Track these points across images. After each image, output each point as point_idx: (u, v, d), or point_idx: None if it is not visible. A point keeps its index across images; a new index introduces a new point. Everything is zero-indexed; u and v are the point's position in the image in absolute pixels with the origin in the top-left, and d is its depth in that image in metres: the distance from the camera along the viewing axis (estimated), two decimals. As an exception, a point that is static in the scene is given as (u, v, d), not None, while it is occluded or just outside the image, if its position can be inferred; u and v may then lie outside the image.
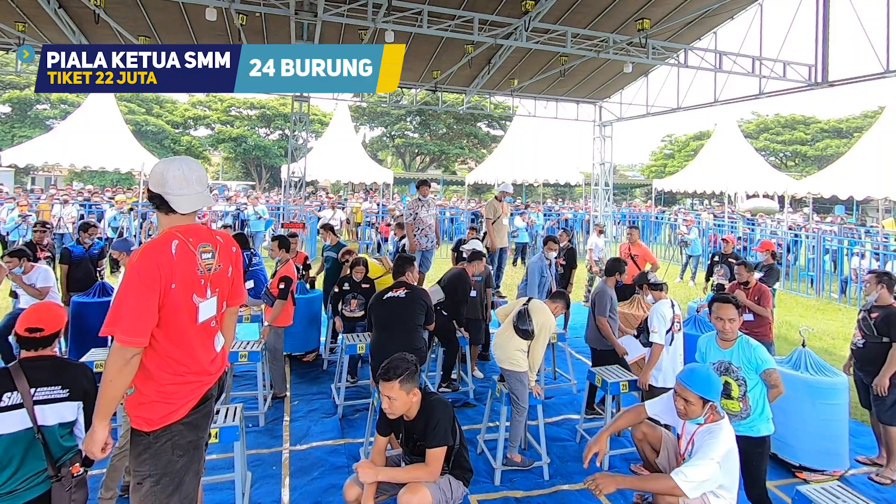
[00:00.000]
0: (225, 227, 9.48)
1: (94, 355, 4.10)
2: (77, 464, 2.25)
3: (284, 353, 5.21)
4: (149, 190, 2.06)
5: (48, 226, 5.80)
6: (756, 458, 2.96)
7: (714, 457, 2.45)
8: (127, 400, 1.99)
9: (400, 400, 2.55)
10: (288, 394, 5.03)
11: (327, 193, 24.53)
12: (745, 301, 4.87)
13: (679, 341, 4.15)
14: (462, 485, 2.74)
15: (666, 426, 3.07)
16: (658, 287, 4.36)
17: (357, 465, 2.61)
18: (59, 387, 2.21)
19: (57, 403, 2.20)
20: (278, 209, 13.14)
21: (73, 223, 10.91)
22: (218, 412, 3.11)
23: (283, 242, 5.18)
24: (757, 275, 5.99)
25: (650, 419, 3.01)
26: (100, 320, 2.15)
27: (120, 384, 1.86)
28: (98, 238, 6.13)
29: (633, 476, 2.58)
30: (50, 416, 2.18)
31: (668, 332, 4.07)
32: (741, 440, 2.81)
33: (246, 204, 14.25)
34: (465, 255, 5.55)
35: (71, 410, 2.25)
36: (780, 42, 7.11)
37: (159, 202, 2.03)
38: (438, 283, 5.29)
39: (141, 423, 1.96)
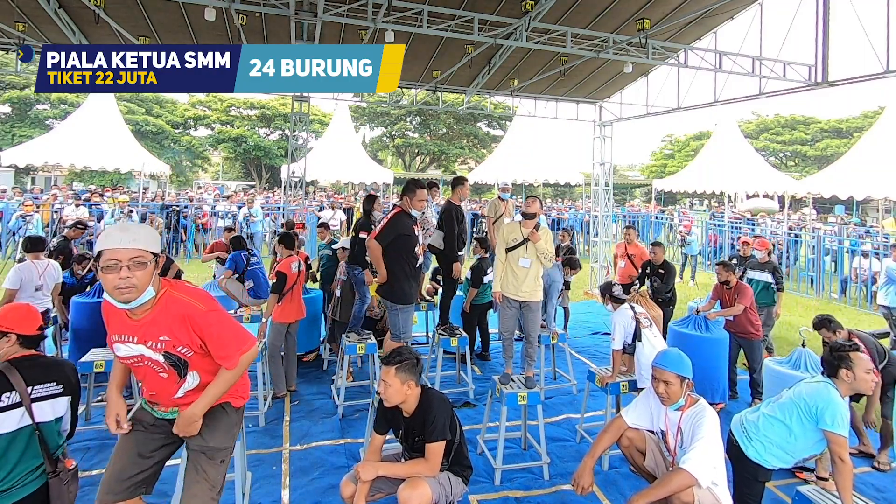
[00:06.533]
0: (227, 229, 9.46)
1: (93, 355, 4.10)
2: (69, 458, 2.34)
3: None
4: (157, 254, 2.04)
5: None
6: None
7: (708, 436, 2.52)
8: None
9: (394, 387, 2.57)
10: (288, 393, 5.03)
11: (327, 193, 24.48)
12: (711, 314, 5.09)
13: (653, 339, 4.10)
14: (461, 482, 2.74)
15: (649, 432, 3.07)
16: (619, 301, 4.39)
17: (357, 466, 2.62)
18: (55, 383, 2.28)
19: (53, 399, 2.27)
20: (279, 209, 13.15)
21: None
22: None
23: (283, 239, 5.27)
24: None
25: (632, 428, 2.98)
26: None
27: (232, 383, 2.18)
28: (91, 270, 5.91)
29: (647, 487, 2.54)
30: (48, 411, 2.24)
31: (633, 334, 4.09)
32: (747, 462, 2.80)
33: (250, 203, 14.32)
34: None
35: (63, 405, 2.32)
36: (780, 42, 7.12)
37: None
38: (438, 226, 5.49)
39: (238, 399, 2.34)
